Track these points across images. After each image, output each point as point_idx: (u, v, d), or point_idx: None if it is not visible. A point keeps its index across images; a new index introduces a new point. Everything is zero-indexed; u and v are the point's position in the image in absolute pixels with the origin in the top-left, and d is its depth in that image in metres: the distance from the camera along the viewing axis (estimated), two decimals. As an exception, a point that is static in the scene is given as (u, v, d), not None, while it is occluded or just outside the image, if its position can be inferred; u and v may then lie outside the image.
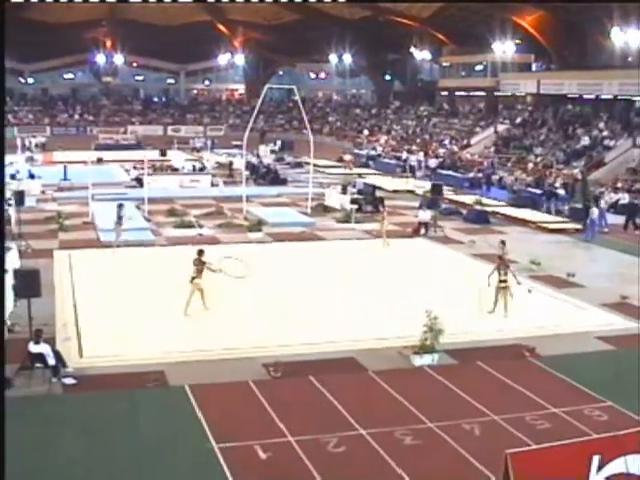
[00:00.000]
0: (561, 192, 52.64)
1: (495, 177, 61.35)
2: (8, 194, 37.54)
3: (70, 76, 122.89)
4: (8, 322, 22.64)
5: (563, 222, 45.73)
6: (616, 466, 14.31)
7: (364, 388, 20.62)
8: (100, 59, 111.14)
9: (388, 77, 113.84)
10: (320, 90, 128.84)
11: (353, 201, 46.56)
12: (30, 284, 21.73)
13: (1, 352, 15.38)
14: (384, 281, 31.12)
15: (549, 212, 49.27)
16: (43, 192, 52.42)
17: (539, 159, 64.85)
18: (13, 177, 51.04)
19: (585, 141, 63.24)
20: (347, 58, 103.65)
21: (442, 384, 20.95)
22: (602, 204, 46.02)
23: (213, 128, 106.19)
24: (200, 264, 26.48)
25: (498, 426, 18.26)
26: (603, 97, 69.57)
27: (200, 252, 26.91)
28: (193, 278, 26.46)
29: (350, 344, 23.64)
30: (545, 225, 44.51)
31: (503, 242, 30.53)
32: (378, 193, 51.61)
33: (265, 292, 29.10)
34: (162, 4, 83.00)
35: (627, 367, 22.22)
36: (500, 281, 26.95)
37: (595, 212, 42.83)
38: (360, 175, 64.55)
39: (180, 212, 44.87)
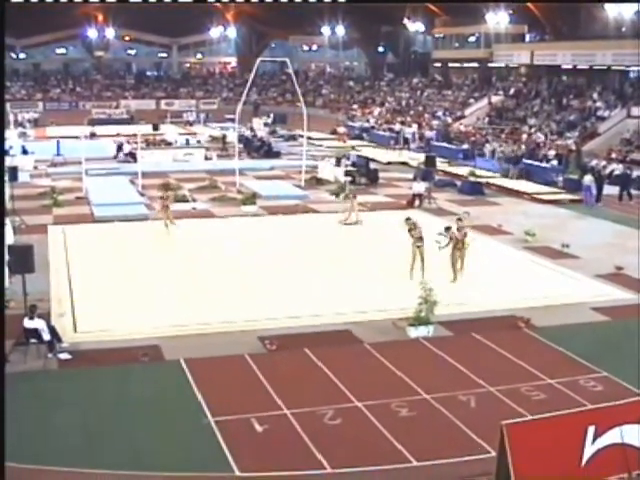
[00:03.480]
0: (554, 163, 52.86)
1: (489, 148, 61.45)
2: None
3: (62, 51, 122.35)
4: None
5: (557, 193, 45.74)
6: (611, 436, 14.37)
7: (360, 360, 20.63)
8: (92, 33, 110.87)
9: (381, 49, 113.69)
10: (313, 62, 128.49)
11: (347, 173, 46.48)
12: (24, 260, 21.69)
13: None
14: (379, 253, 31.10)
15: (512, 177, 50.53)
16: (36, 167, 52.27)
17: (533, 130, 64.77)
18: (6, 153, 50.86)
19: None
20: (340, 30, 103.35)
21: (437, 356, 20.97)
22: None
23: (206, 102, 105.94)
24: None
25: (494, 397, 18.30)
26: (597, 67, 69.44)
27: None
28: (418, 246, 27.51)
29: (345, 316, 23.67)
30: (540, 196, 44.48)
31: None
32: (372, 165, 51.50)
33: (260, 265, 29.10)
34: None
35: (622, 338, 22.32)
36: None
37: (587, 179, 43.12)
38: (354, 147, 64.41)
39: (174, 186, 44.73)
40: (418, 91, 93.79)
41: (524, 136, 63.16)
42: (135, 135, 53.22)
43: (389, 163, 57.32)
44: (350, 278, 27.57)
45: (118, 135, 62.85)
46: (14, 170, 39.58)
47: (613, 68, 68.26)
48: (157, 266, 28.99)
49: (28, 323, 20.18)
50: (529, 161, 53.61)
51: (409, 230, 27.93)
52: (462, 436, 16.44)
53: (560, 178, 48.58)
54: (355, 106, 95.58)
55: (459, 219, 29.29)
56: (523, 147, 58.97)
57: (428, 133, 71.03)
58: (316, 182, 47.73)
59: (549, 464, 13.83)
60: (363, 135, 75.66)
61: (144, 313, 23.76)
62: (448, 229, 27.96)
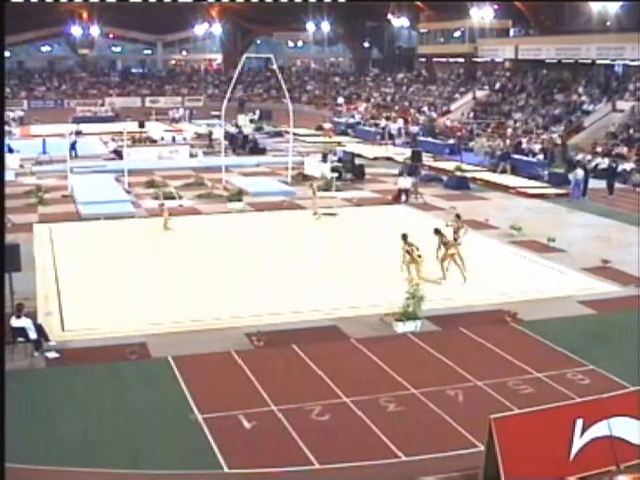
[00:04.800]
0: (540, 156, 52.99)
1: (472, 143, 61.78)
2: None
3: (47, 49, 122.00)
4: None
5: (543, 187, 45.85)
6: (599, 429, 14.44)
7: (347, 356, 20.63)
8: (76, 31, 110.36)
9: (366, 44, 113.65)
10: (298, 58, 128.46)
11: (333, 169, 46.48)
12: (10, 258, 21.58)
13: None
14: (365, 248, 31.13)
15: (503, 171, 50.76)
16: (22, 166, 52.08)
17: (518, 124, 64.87)
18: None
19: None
20: (325, 26, 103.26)
21: (425, 351, 20.99)
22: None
23: (191, 99, 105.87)
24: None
25: (481, 392, 18.33)
26: (581, 62, 69.52)
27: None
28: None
29: (332, 312, 23.67)
30: (525, 190, 44.57)
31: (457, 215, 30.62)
32: (358, 161, 51.51)
33: (246, 262, 29.10)
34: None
35: (609, 331, 22.41)
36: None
37: (579, 173, 43.23)
38: (340, 143, 64.43)
39: (160, 183, 44.70)
40: (403, 86, 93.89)
41: (509, 130, 63.29)
42: (121, 133, 53.12)
43: (375, 158, 57.38)
44: (337, 274, 27.57)
45: (73, 133, 62.24)
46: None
47: (598, 62, 68.34)
48: (144, 264, 28.94)
49: (15, 322, 20.16)
50: (515, 155, 53.78)
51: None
52: (450, 430, 16.46)
53: (546, 172, 48.74)
54: (340, 100, 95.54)
55: (457, 215, 29.52)
56: (508, 141, 59.16)
57: (414, 128, 71.13)
58: (302, 178, 47.69)
59: (537, 457, 13.88)
60: (349, 131, 75.74)
61: (131, 311, 23.72)
62: (438, 231, 27.91)
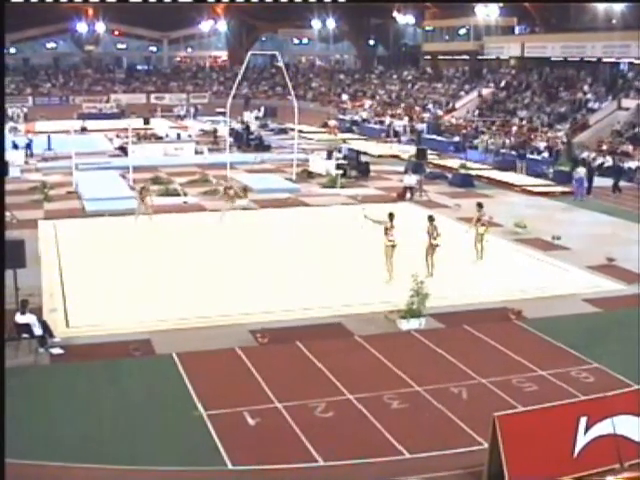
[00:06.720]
0: (545, 155, 52.94)
1: (477, 141, 61.72)
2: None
3: (52, 45, 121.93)
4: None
5: (548, 185, 45.83)
6: (603, 427, 14.44)
7: (351, 353, 20.63)
8: (81, 28, 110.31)
9: (371, 42, 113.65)
10: (303, 56, 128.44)
11: (338, 166, 46.46)
12: (15, 255, 21.58)
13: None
14: (370, 246, 31.04)
15: (520, 171, 50.62)
16: (27, 162, 52.13)
17: (524, 122, 64.85)
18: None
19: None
20: (330, 23, 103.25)
21: (429, 348, 20.99)
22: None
23: (197, 95, 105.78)
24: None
25: (485, 389, 18.32)
26: (587, 59, 69.51)
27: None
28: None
29: (337, 309, 23.67)
30: (530, 188, 44.54)
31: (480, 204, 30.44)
32: (363, 158, 51.48)
33: (250, 258, 29.09)
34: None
35: (613, 329, 22.40)
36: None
37: (579, 172, 43.13)
38: (345, 140, 64.38)
39: (165, 180, 44.72)
40: (408, 84, 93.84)
41: (514, 128, 63.28)
42: (126, 129, 53.14)
43: (380, 156, 57.37)
44: (341, 271, 27.56)
45: (28, 132, 61.40)
46: (5, 165, 39.51)
47: (603, 60, 68.34)
48: (148, 260, 28.93)
49: (20, 318, 20.16)
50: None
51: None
52: (454, 428, 16.45)
53: (551, 170, 48.71)
54: (345, 97, 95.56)
55: (479, 204, 29.61)
56: (513, 139, 59.17)
57: (419, 126, 71.12)
58: (307, 175, 47.76)
59: (541, 455, 13.88)
60: (354, 128, 75.73)
61: (135, 307, 23.73)
62: (431, 218, 28.00)
